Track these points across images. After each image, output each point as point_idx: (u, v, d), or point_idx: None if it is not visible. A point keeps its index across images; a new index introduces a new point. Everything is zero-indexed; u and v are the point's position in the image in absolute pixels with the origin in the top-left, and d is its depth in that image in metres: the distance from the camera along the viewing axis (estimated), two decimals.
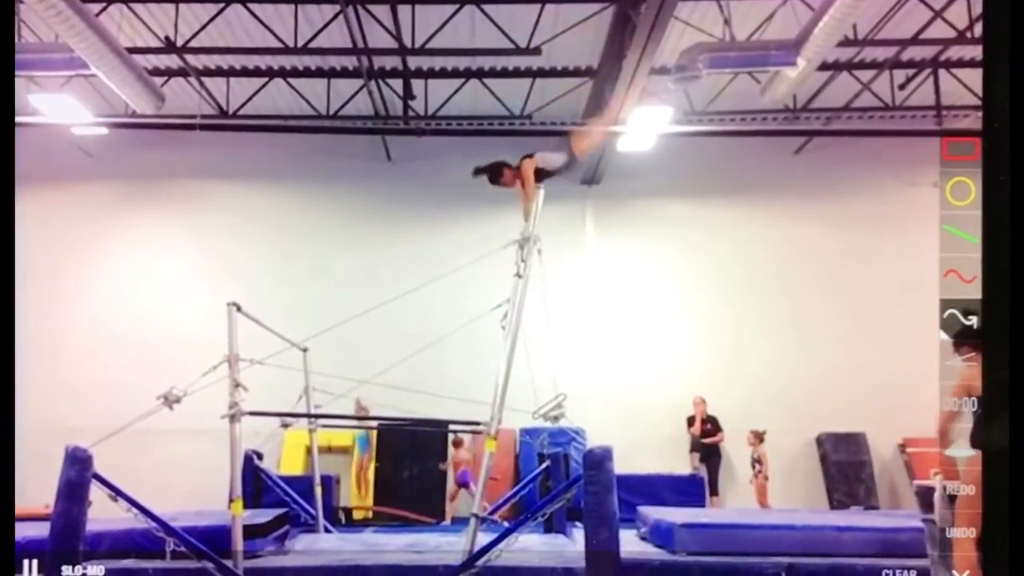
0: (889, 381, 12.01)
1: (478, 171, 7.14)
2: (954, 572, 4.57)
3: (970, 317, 4.70)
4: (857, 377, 12.92)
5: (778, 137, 13.41)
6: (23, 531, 6.42)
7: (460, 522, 8.13)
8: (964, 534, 4.56)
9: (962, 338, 4.83)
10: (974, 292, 4.45)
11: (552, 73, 12.29)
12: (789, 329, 13.49)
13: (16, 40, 9.99)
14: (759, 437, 12.04)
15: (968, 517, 4.55)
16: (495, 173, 7.06)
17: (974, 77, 11.98)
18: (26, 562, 4.75)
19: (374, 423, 11.49)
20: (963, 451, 4.68)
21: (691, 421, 12.81)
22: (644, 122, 11.65)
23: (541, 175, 7.06)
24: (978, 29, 10.55)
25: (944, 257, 4.64)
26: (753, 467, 12.06)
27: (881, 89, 12.34)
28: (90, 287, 13.69)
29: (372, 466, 12.58)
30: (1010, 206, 3.57)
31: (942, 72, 12.25)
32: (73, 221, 13.80)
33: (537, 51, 10.70)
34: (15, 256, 2.75)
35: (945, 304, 4.73)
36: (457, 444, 12.04)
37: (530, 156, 7.02)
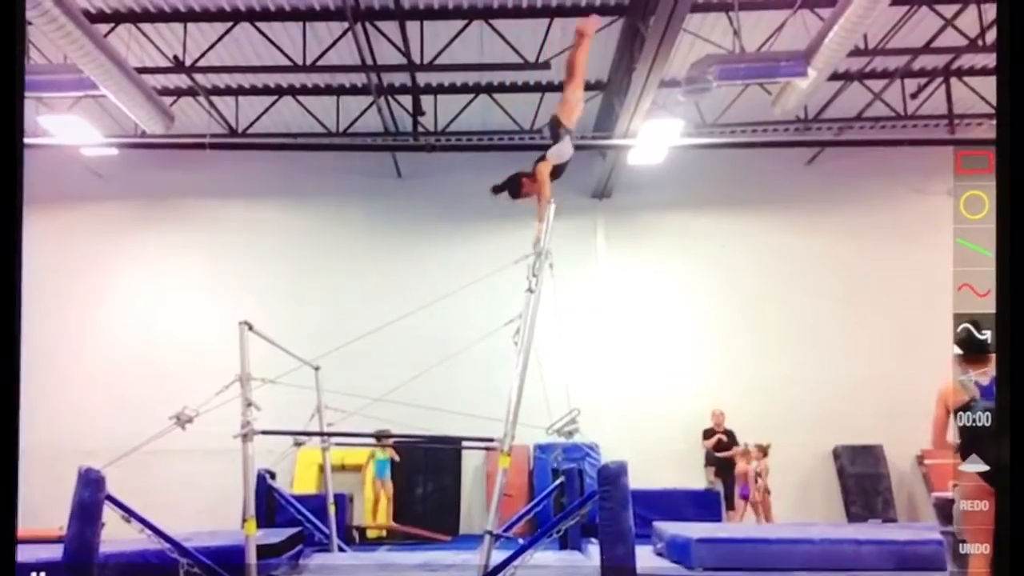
0: (906, 392, 11.79)
1: (497, 189, 7.01)
2: None
3: (984, 331, 4.65)
4: (873, 388, 12.82)
5: (790, 148, 13.36)
6: (36, 553, 6.42)
7: (474, 539, 8.07)
8: (978, 550, 4.50)
9: (970, 353, 4.80)
10: (988, 306, 4.40)
11: (561, 87, 12.22)
12: (803, 340, 13.40)
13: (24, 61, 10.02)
14: (763, 451, 11.91)
15: (981, 533, 4.49)
16: (515, 186, 6.96)
17: (986, 85, 11.94)
18: None
19: (388, 441, 11.43)
20: (977, 466, 4.63)
21: (708, 433, 12.70)
22: (655, 135, 11.62)
23: (559, 171, 7.00)
24: (989, 37, 10.52)
25: (958, 271, 4.60)
26: (755, 481, 11.92)
27: (893, 98, 12.29)
28: (101, 308, 13.70)
29: (389, 494, 12.31)
30: None
31: (954, 80, 12.21)
32: (84, 242, 13.83)
33: (546, 65, 10.70)
34: (22, 277, 2.71)
35: (959, 318, 4.68)
36: (744, 456, 11.99)
37: (542, 159, 6.96)
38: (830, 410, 12.99)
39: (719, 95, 11.31)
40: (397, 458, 12.23)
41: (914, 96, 12.38)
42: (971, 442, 4.75)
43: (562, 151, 7.00)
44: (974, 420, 4.67)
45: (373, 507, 12.23)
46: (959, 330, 4.73)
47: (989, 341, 4.63)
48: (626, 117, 10.92)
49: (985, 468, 4.58)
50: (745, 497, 11.80)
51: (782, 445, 12.18)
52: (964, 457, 4.79)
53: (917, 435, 11.98)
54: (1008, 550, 3.38)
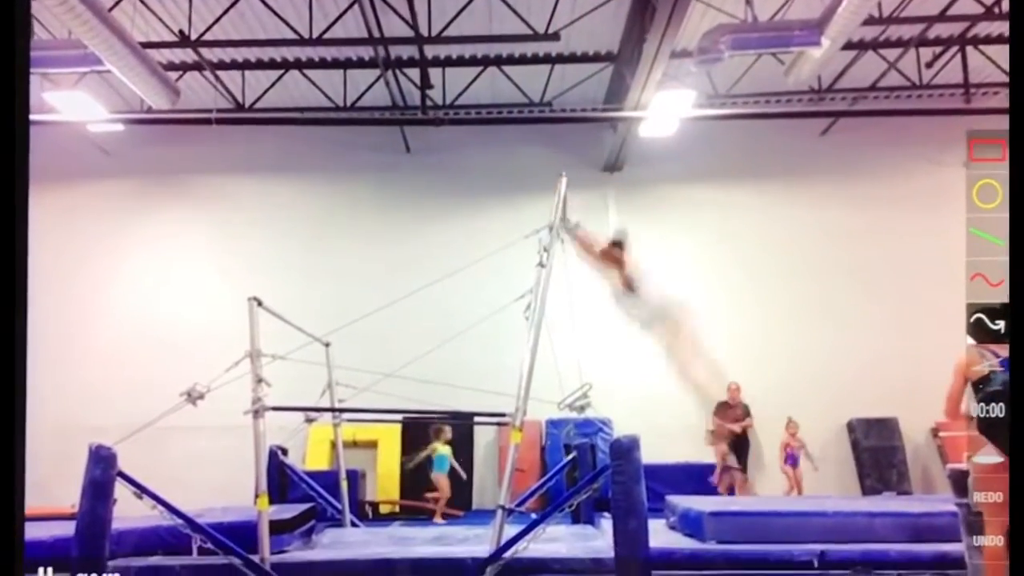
0: (921, 364, 11.67)
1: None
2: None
3: (997, 322, 4.57)
4: (888, 361, 12.73)
5: (803, 119, 13.23)
6: (49, 530, 6.43)
7: (487, 514, 8.08)
8: (992, 541, 4.45)
9: (984, 342, 4.73)
10: (1001, 295, 4.33)
11: (571, 59, 12.17)
12: (817, 313, 13.31)
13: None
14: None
15: (995, 524, 4.44)
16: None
17: (1003, 54, 11.74)
18: (40, 570, 4.67)
19: (398, 416, 11.40)
20: (990, 457, 4.57)
21: (722, 406, 12.66)
22: (666, 106, 11.50)
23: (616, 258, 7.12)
24: (1006, 4, 10.33)
25: (971, 261, 4.53)
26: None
27: (908, 68, 12.14)
28: (109, 285, 13.71)
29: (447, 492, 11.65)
30: None
31: (970, 49, 12.05)
32: (91, 219, 13.81)
33: (556, 36, 10.59)
34: (27, 256, 2.67)
35: (972, 308, 4.60)
36: (789, 427, 12.11)
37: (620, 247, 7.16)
38: (844, 383, 12.92)
39: (731, 65, 11.18)
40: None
41: (929, 65, 12.22)
42: (989, 414, 4.68)
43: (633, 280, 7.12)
44: (993, 392, 4.60)
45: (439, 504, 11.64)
46: (972, 320, 4.66)
47: (1003, 331, 4.55)
48: (637, 88, 10.79)
49: (1000, 459, 4.51)
50: (793, 465, 11.94)
51: (796, 419, 12.15)
52: (981, 428, 4.73)
53: (932, 408, 11.91)
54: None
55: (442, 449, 11.42)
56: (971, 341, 4.93)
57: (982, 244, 4.55)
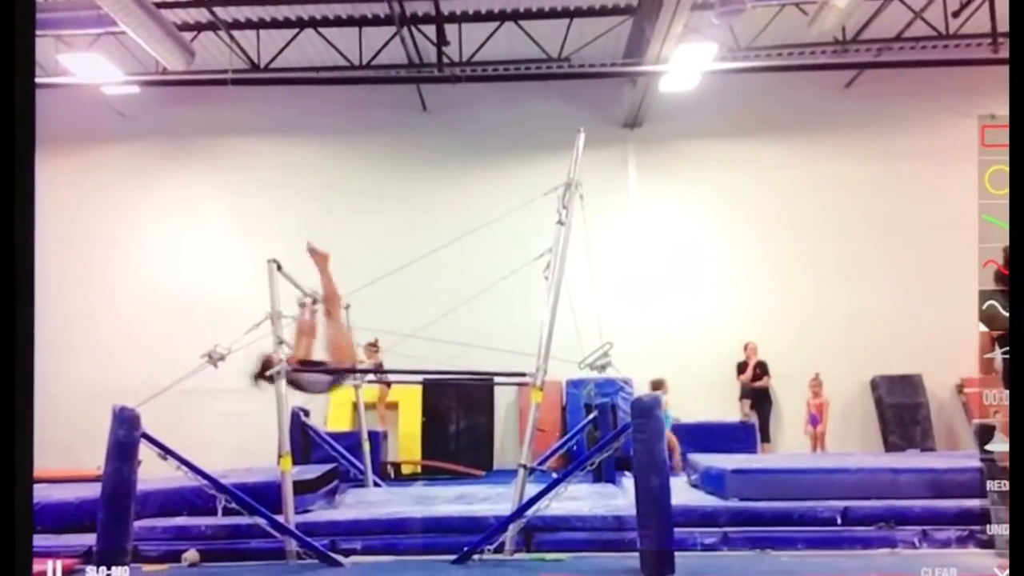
0: (945, 321, 11.63)
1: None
2: None
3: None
4: (911, 317, 12.61)
5: (827, 71, 12.94)
6: (75, 492, 6.51)
7: (508, 474, 8.09)
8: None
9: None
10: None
11: (590, 12, 11.96)
12: (840, 270, 13.16)
13: None
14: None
15: None
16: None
17: None
18: (49, 563, 4.67)
19: (419, 376, 11.44)
20: (1003, 445, 4.54)
21: (742, 367, 12.62)
22: (687, 60, 11.31)
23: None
24: None
25: (983, 248, 4.45)
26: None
27: (934, 17, 11.86)
28: (128, 247, 13.74)
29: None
30: None
31: None
32: (108, 182, 13.80)
33: None
34: (34, 220, 2.62)
35: (984, 295, 4.54)
36: (812, 384, 12.06)
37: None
38: (868, 340, 12.81)
39: (754, 17, 10.95)
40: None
41: (956, 14, 11.92)
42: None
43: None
44: None
45: None
46: (984, 307, 4.60)
47: None
48: (657, 42, 10.61)
49: (1005, 448, 4.47)
50: (814, 425, 11.90)
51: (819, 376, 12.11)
52: (1007, 384, 4.69)
53: (956, 364, 11.94)
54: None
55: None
56: (984, 328, 4.87)
57: (994, 231, 4.49)
